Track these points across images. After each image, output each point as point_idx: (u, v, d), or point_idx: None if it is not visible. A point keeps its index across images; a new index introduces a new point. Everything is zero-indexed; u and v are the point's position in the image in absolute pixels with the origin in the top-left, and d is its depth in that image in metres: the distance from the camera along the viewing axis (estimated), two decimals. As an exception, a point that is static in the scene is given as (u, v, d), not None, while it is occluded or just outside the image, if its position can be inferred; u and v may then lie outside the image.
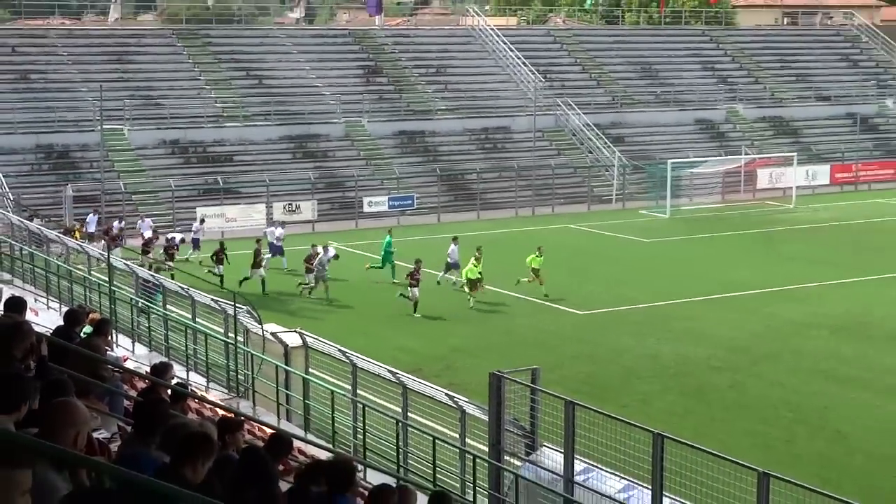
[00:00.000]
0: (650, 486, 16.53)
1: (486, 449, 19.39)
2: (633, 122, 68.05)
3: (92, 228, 45.06)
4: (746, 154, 63.48)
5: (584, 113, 65.80)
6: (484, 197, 58.46)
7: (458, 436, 20.53)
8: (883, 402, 28.39)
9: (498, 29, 75.39)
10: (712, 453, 16.48)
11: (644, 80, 72.91)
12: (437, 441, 20.01)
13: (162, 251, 41.42)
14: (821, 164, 66.43)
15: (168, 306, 29.41)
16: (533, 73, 67.67)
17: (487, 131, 64.58)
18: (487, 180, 60.00)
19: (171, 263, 40.15)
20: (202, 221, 46.50)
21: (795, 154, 64.17)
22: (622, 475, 17.61)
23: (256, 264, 38.92)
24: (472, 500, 18.69)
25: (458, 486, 19.23)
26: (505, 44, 71.13)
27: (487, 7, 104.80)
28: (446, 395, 21.89)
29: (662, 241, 48.29)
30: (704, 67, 76.06)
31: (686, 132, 68.55)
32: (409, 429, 21.09)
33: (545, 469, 18.38)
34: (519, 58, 69.50)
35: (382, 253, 40.91)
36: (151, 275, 32.66)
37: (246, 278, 38.36)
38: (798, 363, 31.64)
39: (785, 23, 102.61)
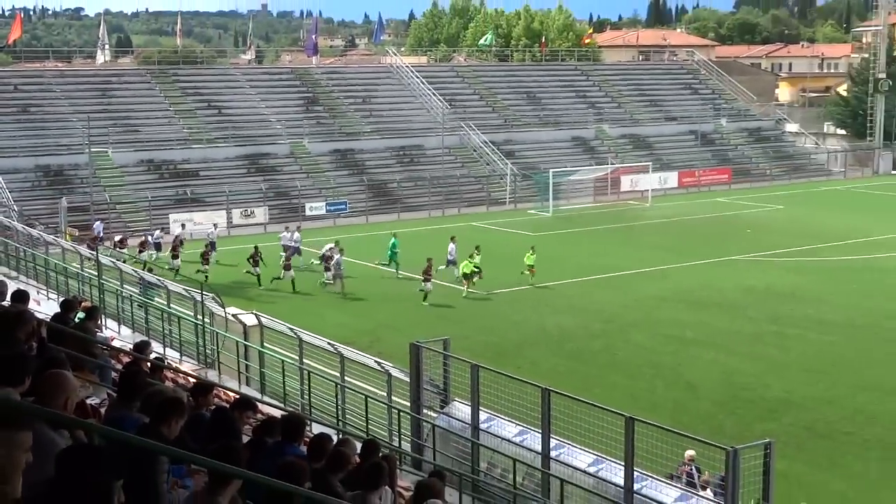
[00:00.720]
0: (540, 431, 16.63)
1: (408, 404, 19.45)
2: (521, 139, 68.32)
3: (99, 233, 44.56)
4: (611, 164, 63.98)
5: (482, 133, 66.26)
6: (403, 201, 58.60)
7: (385, 394, 20.56)
8: (721, 358, 28.91)
9: (412, 66, 75.68)
10: (589, 402, 16.61)
11: (529, 105, 73.31)
12: (368, 399, 20.10)
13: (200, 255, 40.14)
14: (670, 171, 67.26)
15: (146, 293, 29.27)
16: (440, 101, 67.70)
17: (405, 149, 64.54)
18: (405, 188, 60.16)
19: (206, 266, 39.20)
20: (215, 226, 45.51)
21: (650, 163, 65.14)
22: (518, 422, 17.70)
23: (287, 266, 37.91)
24: (398, 445, 18.70)
25: (386, 434, 19.22)
26: (418, 78, 71.31)
27: (403, 48, 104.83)
28: (375, 361, 22.01)
29: (546, 234, 48.55)
30: (577, 95, 76.70)
31: (563, 147, 69.03)
32: (346, 390, 21.08)
33: (456, 419, 18.49)
34: (429, 89, 69.73)
35: (389, 252, 39.92)
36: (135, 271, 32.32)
37: (277, 278, 37.68)
38: (656, 329, 32.08)
39: (640, 59, 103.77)
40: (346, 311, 34.90)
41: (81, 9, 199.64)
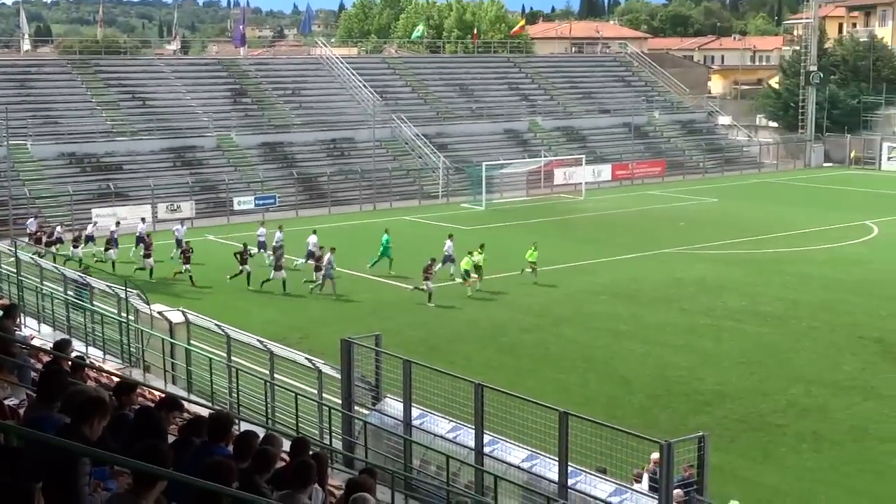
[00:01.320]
0: (473, 427, 16.68)
1: (339, 401, 19.37)
2: (453, 132, 68.41)
3: (32, 229, 43.94)
4: (545, 157, 64.39)
5: (413, 125, 66.19)
6: (333, 195, 58.21)
7: (316, 391, 20.47)
8: (655, 351, 29.19)
9: (342, 57, 75.51)
10: (522, 397, 16.70)
11: (461, 98, 73.42)
12: (298, 396, 19.97)
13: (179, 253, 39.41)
14: (604, 164, 67.89)
15: (69, 292, 28.75)
16: (371, 94, 67.68)
17: (335, 141, 64.32)
18: (336, 182, 59.81)
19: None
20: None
21: (584, 156, 65.30)
22: (451, 418, 17.73)
23: (278, 267, 36.78)
24: (328, 443, 18.62)
25: (316, 432, 19.14)
26: (348, 69, 70.98)
27: (333, 39, 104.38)
28: (305, 358, 21.91)
29: (480, 228, 48.58)
30: (510, 87, 76.93)
31: (496, 140, 69.22)
32: (275, 387, 20.96)
33: (388, 416, 18.45)
34: (360, 81, 69.42)
35: (381, 249, 39.28)
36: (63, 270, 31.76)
37: (267, 279, 36.87)
38: (588, 323, 32.36)
39: (573, 51, 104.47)
40: (275, 308, 34.61)
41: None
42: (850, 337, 30.47)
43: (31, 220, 45.08)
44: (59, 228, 43.79)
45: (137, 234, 42.01)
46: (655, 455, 16.43)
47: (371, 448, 18.27)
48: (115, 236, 41.45)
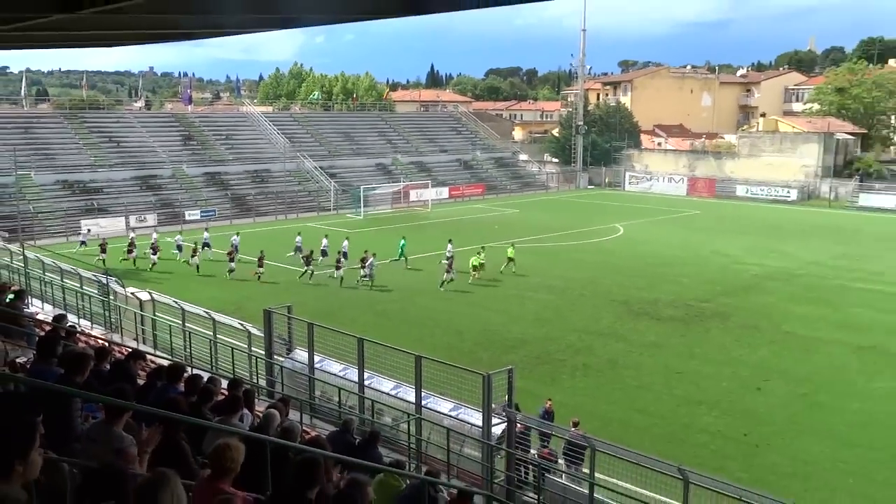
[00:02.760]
0: (357, 367, 16.60)
1: (263, 352, 19.03)
2: (340, 165, 67.56)
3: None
4: (403, 182, 64.40)
5: (313, 160, 65.27)
6: (257, 209, 56.95)
7: (246, 346, 20.07)
8: (479, 313, 29.56)
9: (262, 113, 73.93)
10: (390, 346, 16.71)
11: (346, 141, 72.54)
12: (234, 350, 19.53)
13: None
14: (443, 187, 68.14)
15: (66, 280, 27.41)
16: (283, 138, 66.74)
17: (258, 171, 62.70)
18: (258, 199, 58.55)
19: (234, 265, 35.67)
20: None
21: (430, 181, 65.74)
22: (342, 362, 17.62)
23: (306, 260, 34.90)
24: (256, 382, 18.27)
25: (248, 375, 18.76)
26: (266, 121, 69.64)
27: (255, 100, 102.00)
28: (239, 323, 21.46)
29: (360, 231, 48.41)
30: (379, 134, 76.42)
31: (370, 170, 68.70)
32: (218, 344, 20.45)
33: (298, 362, 18.24)
34: (275, 129, 68.16)
35: (400, 250, 37.82)
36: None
37: (303, 274, 34.82)
38: (435, 295, 32.50)
39: (421, 110, 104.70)
40: (217, 288, 33.69)
41: (7, 67, 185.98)
42: (606, 301, 31.48)
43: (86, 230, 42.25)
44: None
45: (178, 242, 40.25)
46: (548, 402, 16.79)
47: (286, 384, 18.03)
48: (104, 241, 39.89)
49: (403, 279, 35.16)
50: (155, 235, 40.97)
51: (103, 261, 36.52)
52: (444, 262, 34.81)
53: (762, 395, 21.12)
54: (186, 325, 21.92)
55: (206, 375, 10.83)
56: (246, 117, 72.05)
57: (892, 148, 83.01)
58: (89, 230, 43.87)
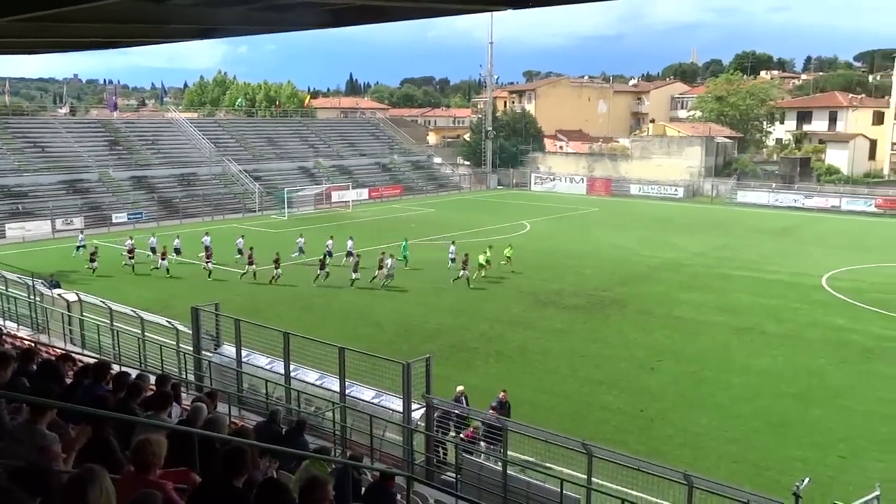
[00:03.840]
0: (283, 360, 16.32)
1: (191, 349, 18.46)
2: (265, 168, 66.20)
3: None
4: (325, 184, 63.70)
5: (238, 164, 63.77)
6: (184, 211, 55.23)
7: (174, 343, 19.45)
8: (398, 306, 29.47)
9: (188, 119, 71.75)
10: (314, 339, 16.48)
11: (270, 146, 71.07)
12: (162, 347, 18.90)
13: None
14: (364, 188, 67.67)
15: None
16: (208, 143, 65.03)
17: (184, 175, 60.86)
18: (185, 202, 56.83)
19: (279, 271, 33.34)
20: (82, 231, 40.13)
21: (350, 183, 65.25)
22: (269, 356, 17.28)
23: (322, 265, 33.01)
24: (185, 377, 17.74)
25: (177, 371, 18.18)
26: (192, 127, 67.68)
27: (181, 107, 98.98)
28: (167, 321, 20.75)
29: (284, 231, 47.61)
30: (301, 139, 75.22)
31: (294, 173, 67.62)
32: (146, 342, 19.75)
33: (226, 356, 17.79)
34: (200, 135, 66.29)
35: (403, 251, 36.22)
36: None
37: (317, 277, 33.05)
38: (358, 289, 32.17)
39: (342, 116, 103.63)
40: (144, 288, 32.53)
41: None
42: (515, 292, 31.86)
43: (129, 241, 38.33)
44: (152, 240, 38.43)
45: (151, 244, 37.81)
46: (461, 388, 16.51)
47: (215, 378, 17.55)
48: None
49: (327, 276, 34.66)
50: (153, 240, 38.27)
51: (93, 270, 34.68)
52: (451, 265, 34.71)
53: (656, 374, 21.78)
54: (114, 324, 21.10)
55: (134, 373, 10.44)
56: (171, 123, 69.81)
57: (764, 150, 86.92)
58: (82, 231, 41.16)
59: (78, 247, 38.47)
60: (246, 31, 13.31)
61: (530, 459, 14.12)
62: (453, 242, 37.31)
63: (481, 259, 33.98)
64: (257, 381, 16.81)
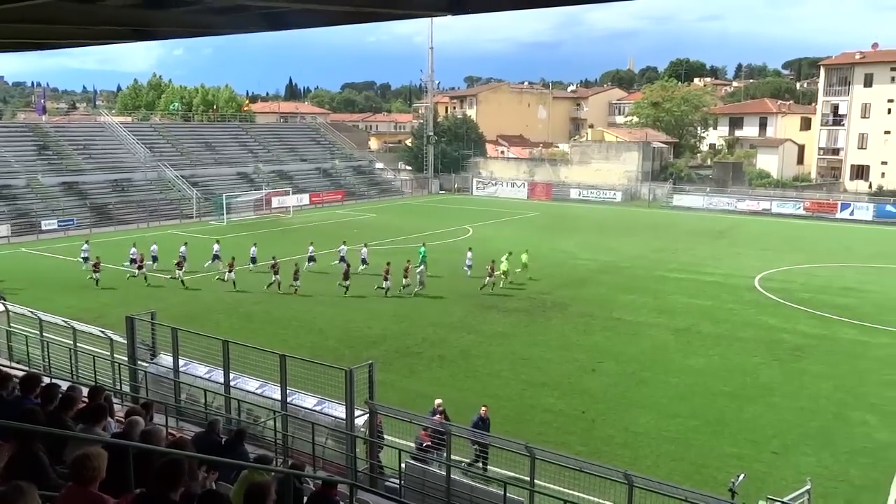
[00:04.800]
0: (222, 369, 16.01)
1: (127, 359, 17.94)
2: (202, 174, 64.94)
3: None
4: (265, 189, 62.91)
5: (174, 170, 62.41)
6: (118, 217, 53.87)
7: (109, 353, 18.88)
8: (340, 312, 29.25)
9: (121, 123, 69.93)
10: (254, 347, 16.25)
11: (207, 151, 69.81)
12: (95, 358, 18.33)
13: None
14: (304, 194, 66.91)
15: None
16: (143, 148, 63.49)
17: (118, 181, 59.17)
18: (120, 208, 55.39)
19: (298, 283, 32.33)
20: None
21: (291, 189, 64.53)
22: (208, 364, 16.93)
23: (345, 276, 32.24)
24: (120, 388, 17.24)
25: (111, 382, 17.64)
26: (125, 132, 65.91)
27: (114, 111, 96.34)
28: (99, 330, 20.15)
29: (224, 237, 46.62)
30: (240, 145, 74.10)
31: (232, 179, 66.49)
32: (78, 353, 19.13)
33: (162, 366, 17.36)
34: (134, 139, 64.64)
35: (421, 257, 34.86)
36: None
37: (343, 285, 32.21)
38: (300, 295, 31.79)
39: (281, 121, 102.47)
40: (74, 297, 31.47)
41: None
42: (458, 296, 31.96)
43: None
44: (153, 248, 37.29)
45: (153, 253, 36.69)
46: (438, 401, 16.22)
47: (152, 389, 17.09)
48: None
49: (263, 282, 34.12)
50: (133, 251, 36.82)
51: (96, 280, 33.24)
52: (467, 270, 34.64)
53: (597, 376, 22.13)
54: (44, 335, 20.37)
55: (65, 384, 10.10)
56: (104, 127, 67.83)
57: (698, 155, 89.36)
58: (87, 242, 39.30)
59: (84, 258, 36.40)
60: (181, 34, 13.06)
61: (475, 463, 14.18)
62: (470, 249, 36.32)
63: (503, 266, 33.55)
64: (196, 391, 16.45)
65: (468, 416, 16.55)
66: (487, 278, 32.46)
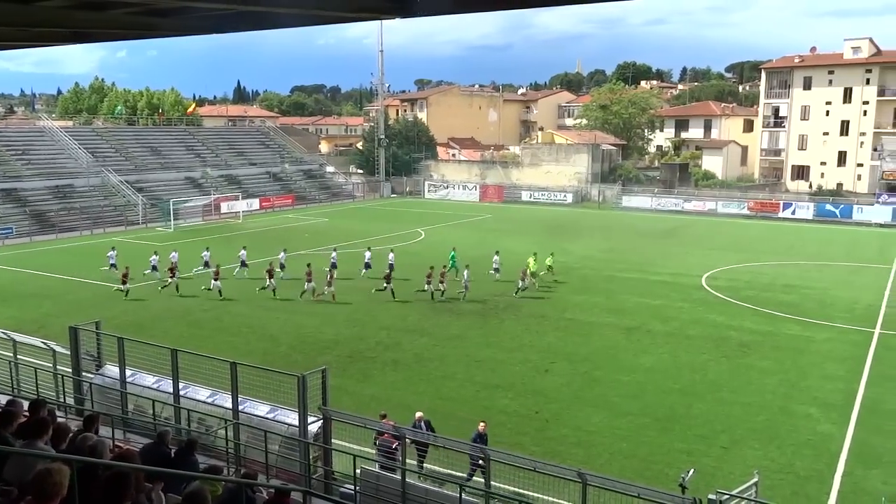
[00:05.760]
0: (171, 377, 15.70)
1: (71, 370, 17.44)
2: (148, 179, 63.59)
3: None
4: (214, 195, 61.89)
5: (118, 175, 60.91)
6: (60, 225, 52.35)
7: (51, 365, 18.34)
8: (292, 318, 28.93)
9: (62, 128, 67.89)
10: (203, 355, 15.96)
11: (153, 156, 68.34)
12: (37, 370, 17.78)
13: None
14: (254, 198, 66.09)
15: None
16: (85, 153, 61.85)
17: (59, 187, 57.54)
18: (62, 216, 53.84)
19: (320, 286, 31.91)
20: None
21: (240, 194, 63.65)
22: (156, 374, 16.58)
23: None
24: (64, 401, 16.75)
25: (55, 395, 17.12)
26: (66, 136, 64.05)
27: (54, 115, 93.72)
28: (42, 342, 19.55)
29: (170, 243, 45.69)
30: (187, 149, 72.78)
31: (179, 184, 65.25)
32: (20, 365, 18.52)
33: (108, 377, 16.94)
34: (76, 144, 62.87)
35: (451, 261, 35.51)
36: None
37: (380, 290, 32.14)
38: (250, 301, 31.33)
39: (230, 125, 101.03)
40: (14, 307, 30.48)
41: None
42: (411, 299, 31.87)
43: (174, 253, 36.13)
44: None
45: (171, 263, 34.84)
46: (419, 413, 15.95)
47: (97, 401, 16.64)
48: None
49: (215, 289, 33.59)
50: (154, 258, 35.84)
51: (125, 292, 32.02)
52: (493, 273, 34.70)
53: (550, 376, 22.33)
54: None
55: (4, 399, 9.77)
56: (44, 132, 65.87)
57: (646, 157, 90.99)
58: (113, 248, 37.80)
59: (111, 265, 35.56)
60: (123, 36, 12.77)
61: (429, 466, 14.16)
62: (497, 253, 36.01)
63: (533, 265, 33.89)
64: (144, 402, 16.08)
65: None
66: (520, 282, 32.56)
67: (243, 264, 35.90)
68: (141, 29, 10.80)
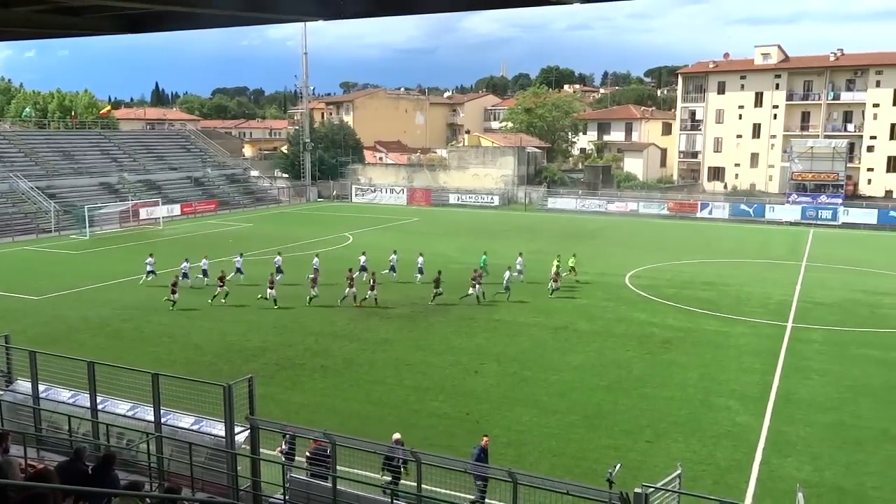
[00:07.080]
0: (88, 392, 15.11)
1: (-23, 387, 16.54)
2: (61, 185, 61.08)
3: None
4: (132, 200, 59.94)
5: (28, 181, 58.44)
6: (-35, 234, 49.89)
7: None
8: (217, 326, 28.22)
9: (-35, 131, 64.72)
10: (123, 367, 15.43)
11: (66, 160, 65.71)
12: (-58, 387, 16.77)
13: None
14: (175, 204, 64.30)
15: None
16: (-8, 158, 59.02)
17: (-37, 194, 54.92)
18: (-34, 224, 51.29)
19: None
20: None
21: (160, 199, 61.86)
22: (71, 388, 15.92)
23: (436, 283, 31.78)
24: (-30, 420, 15.87)
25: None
26: (-29, 140, 61.09)
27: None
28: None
29: (85, 251, 44.15)
30: (102, 153, 70.17)
31: (94, 190, 62.88)
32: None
33: (20, 393, 16.17)
34: (-18, 149, 60.01)
35: (482, 264, 35.55)
36: None
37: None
38: (174, 311, 30.47)
39: (148, 128, 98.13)
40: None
41: None
42: (342, 305, 31.51)
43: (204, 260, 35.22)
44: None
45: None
46: (396, 435, 15.37)
47: (7, 419, 15.83)
48: None
49: (133, 298, 32.51)
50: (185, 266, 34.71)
51: (173, 302, 30.27)
52: (517, 275, 34.48)
53: (480, 377, 22.48)
54: None
55: None
56: (-54, 136, 62.70)
57: (570, 159, 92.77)
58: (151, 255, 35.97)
59: (148, 272, 34.44)
60: (32, 35, 12.23)
61: (360, 472, 14.02)
62: (521, 254, 36.66)
63: (556, 268, 34.27)
64: (59, 418, 15.39)
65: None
66: (552, 283, 33.26)
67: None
68: (52, 28, 10.37)
